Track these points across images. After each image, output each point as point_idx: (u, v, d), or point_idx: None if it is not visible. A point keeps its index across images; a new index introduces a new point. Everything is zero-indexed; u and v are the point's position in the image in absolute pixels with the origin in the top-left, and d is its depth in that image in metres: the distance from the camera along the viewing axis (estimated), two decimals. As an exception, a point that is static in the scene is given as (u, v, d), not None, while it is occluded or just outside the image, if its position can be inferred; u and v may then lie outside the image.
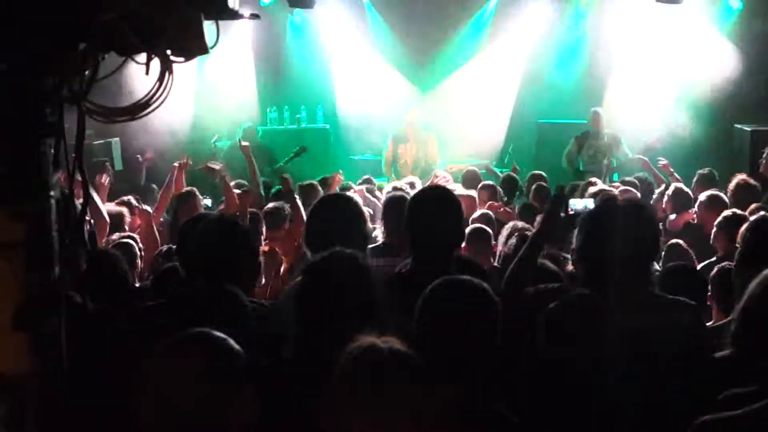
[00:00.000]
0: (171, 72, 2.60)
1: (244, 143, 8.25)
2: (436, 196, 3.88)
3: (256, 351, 2.67)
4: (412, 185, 7.36)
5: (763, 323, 2.57)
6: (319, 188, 7.25)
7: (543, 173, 8.77)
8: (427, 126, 11.15)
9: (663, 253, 5.37)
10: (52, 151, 2.67)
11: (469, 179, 8.46)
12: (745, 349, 2.68)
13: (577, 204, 5.54)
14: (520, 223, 5.75)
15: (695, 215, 6.63)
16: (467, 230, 5.26)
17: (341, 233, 3.53)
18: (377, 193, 7.79)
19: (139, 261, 5.28)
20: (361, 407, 2.25)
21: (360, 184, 8.12)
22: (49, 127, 2.66)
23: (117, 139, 10.33)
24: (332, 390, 2.31)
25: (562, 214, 3.73)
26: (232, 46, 11.55)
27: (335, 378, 2.31)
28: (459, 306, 2.76)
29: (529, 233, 4.50)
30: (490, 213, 6.55)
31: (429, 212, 3.68)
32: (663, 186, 7.85)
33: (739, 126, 10.52)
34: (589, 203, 5.73)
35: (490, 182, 8.15)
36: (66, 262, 2.65)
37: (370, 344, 2.33)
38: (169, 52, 2.65)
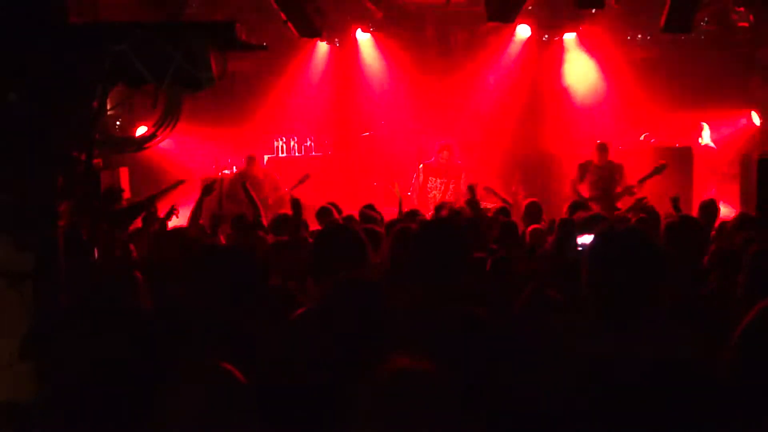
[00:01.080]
0: (178, 104, 2.64)
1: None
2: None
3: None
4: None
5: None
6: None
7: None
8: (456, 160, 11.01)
9: None
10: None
11: None
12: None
13: (585, 239, 5.57)
14: None
15: None
16: None
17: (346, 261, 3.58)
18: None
19: None
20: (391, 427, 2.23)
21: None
22: (58, 157, 2.68)
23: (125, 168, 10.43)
24: (356, 412, 2.29)
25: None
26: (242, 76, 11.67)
27: (363, 400, 2.29)
28: None
29: None
30: None
31: None
32: None
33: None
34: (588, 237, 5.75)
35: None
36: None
37: (402, 366, 2.31)
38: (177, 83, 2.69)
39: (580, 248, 5.56)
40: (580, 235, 5.65)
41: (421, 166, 10.83)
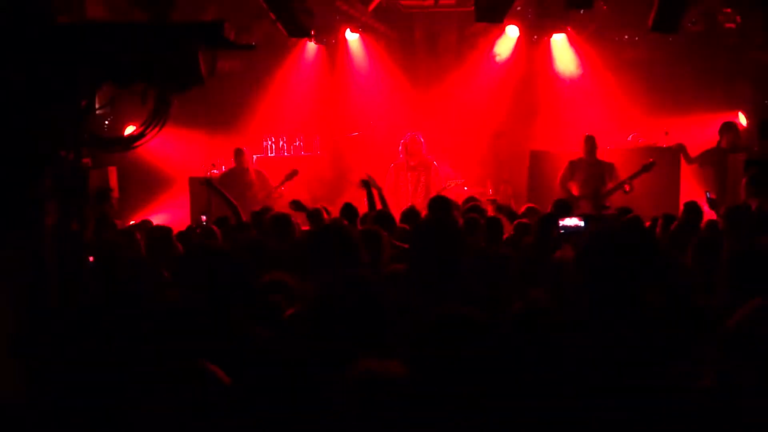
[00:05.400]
0: (167, 103, 2.65)
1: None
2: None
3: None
4: None
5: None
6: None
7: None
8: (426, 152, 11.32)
9: None
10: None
11: None
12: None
13: (566, 222, 5.68)
14: None
15: None
16: None
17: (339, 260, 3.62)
18: None
19: None
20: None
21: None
22: (45, 156, 2.68)
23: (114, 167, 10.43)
24: (330, 412, 2.32)
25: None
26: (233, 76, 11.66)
27: (338, 400, 2.32)
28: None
29: None
30: None
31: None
32: None
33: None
34: (578, 221, 5.85)
35: None
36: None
37: (368, 370, 2.34)
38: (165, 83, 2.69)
39: (562, 231, 5.66)
40: (562, 219, 5.77)
41: (392, 165, 11.09)
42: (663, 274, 3.84)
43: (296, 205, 7.94)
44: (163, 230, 6.49)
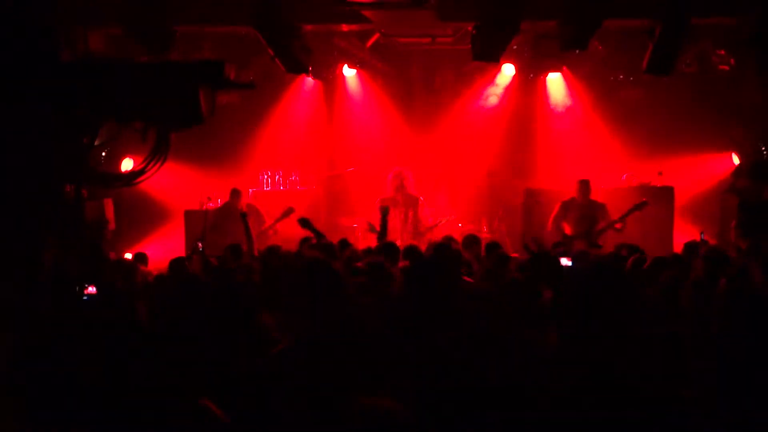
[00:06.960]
0: (167, 141, 2.68)
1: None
2: None
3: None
4: None
5: None
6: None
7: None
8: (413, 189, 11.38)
9: None
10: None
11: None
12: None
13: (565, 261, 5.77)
14: None
15: None
16: None
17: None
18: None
19: None
20: None
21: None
22: (46, 191, 2.70)
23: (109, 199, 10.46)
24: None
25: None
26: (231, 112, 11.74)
27: None
28: None
29: None
30: None
31: None
32: None
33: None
34: (566, 260, 5.92)
35: None
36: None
37: (368, 407, 2.35)
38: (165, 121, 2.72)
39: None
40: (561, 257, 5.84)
41: (380, 199, 11.12)
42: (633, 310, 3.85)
43: (304, 222, 7.87)
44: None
